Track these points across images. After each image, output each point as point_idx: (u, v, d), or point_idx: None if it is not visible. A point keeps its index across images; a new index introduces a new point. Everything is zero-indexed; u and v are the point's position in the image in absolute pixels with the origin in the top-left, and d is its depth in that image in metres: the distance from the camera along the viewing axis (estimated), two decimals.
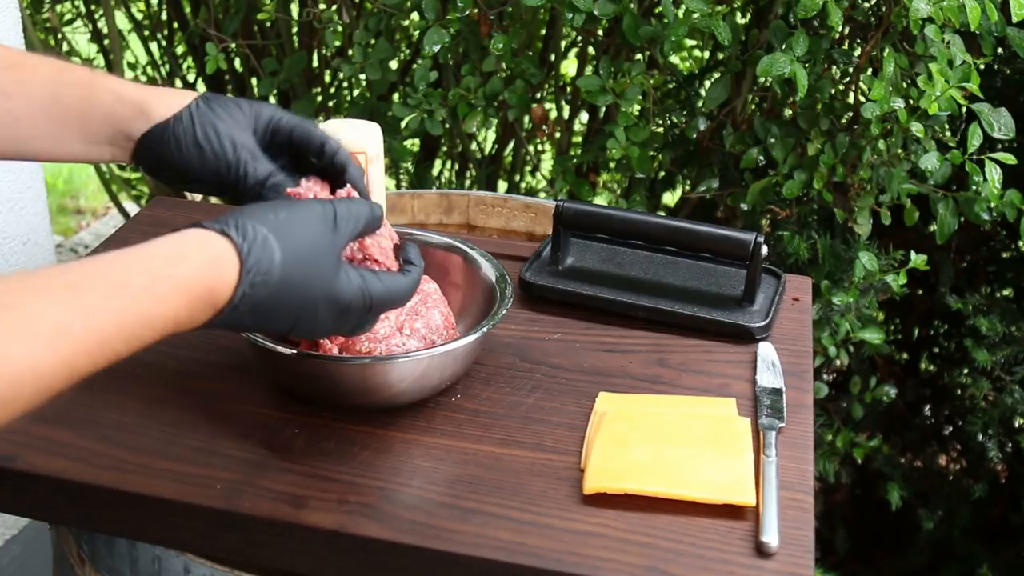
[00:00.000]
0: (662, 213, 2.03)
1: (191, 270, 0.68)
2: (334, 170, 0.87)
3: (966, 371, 1.88)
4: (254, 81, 2.02)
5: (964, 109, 1.41)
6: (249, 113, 0.86)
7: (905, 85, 1.40)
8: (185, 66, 2.31)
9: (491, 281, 1.01)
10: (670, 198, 2.08)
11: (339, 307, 0.76)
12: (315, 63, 2.03)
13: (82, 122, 0.84)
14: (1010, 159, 1.40)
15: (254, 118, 0.86)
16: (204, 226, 0.71)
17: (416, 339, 0.93)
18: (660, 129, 1.74)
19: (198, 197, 2.35)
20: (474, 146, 2.14)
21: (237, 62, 2.08)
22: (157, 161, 0.84)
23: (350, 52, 1.68)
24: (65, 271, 0.64)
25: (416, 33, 2.02)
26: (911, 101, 1.38)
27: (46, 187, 1.68)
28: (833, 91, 1.53)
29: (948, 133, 1.51)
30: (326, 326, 0.77)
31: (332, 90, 2.10)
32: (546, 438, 0.91)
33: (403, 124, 1.68)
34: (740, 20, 1.73)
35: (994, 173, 1.40)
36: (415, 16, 1.81)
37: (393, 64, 1.85)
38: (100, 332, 0.64)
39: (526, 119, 1.86)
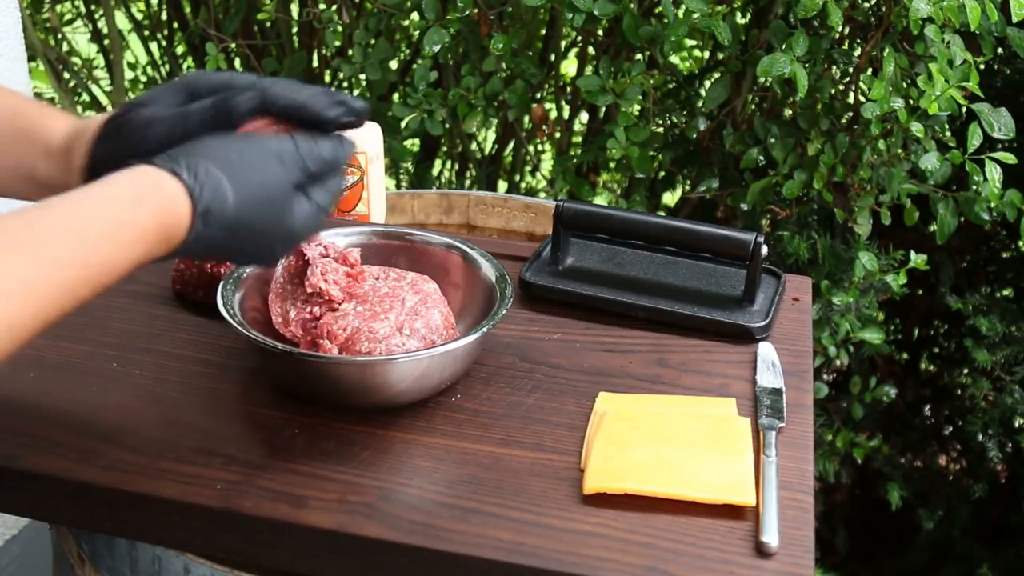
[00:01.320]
0: (662, 213, 2.04)
1: (148, 215, 0.70)
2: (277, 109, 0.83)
3: (966, 371, 1.88)
4: None
5: (964, 109, 1.41)
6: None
7: (905, 85, 1.40)
8: (185, 66, 2.31)
9: (491, 281, 1.01)
10: (670, 198, 2.08)
11: (292, 237, 0.78)
12: (315, 63, 2.03)
13: (38, 130, 0.83)
14: (1010, 159, 1.40)
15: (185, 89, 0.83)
16: (156, 164, 0.72)
17: (416, 339, 0.92)
18: (660, 129, 1.74)
19: None
20: (474, 146, 2.14)
21: (237, 62, 2.08)
22: (138, 134, 0.80)
23: (350, 52, 1.68)
24: (31, 223, 0.66)
25: (416, 33, 2.02)
26: (911, 101, 1.38)
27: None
28: (833, 91, 1.54)
29: (948, 133, 1.52)
30: (279, 253, 0.80)
31: (332, 90, 2.10)
32: (546, 438, 0.91)
33: (403, 124, 1.68)
34: (740, 20, 1.73)
35: (994, 173, 1.40)
36: (415, 16, 1.81)
37: (393, 64, 1.85)
38: (67, 283, 0.66)
39: (526, 119, 1.86)
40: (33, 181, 0.84)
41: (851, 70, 1.55)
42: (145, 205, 0.70)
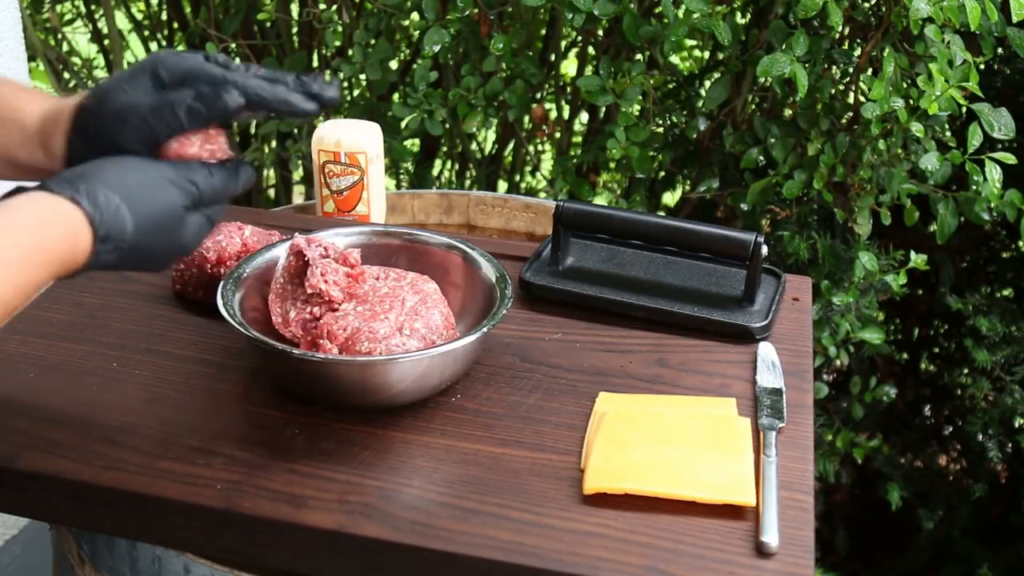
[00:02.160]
0: (662, 213, 2.04)
1: (53, 241, 0.72)
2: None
3: (966, 371, 1.88)
4: None
5: (964, 109, 1.41)
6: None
7: (905, 85, 1.40)
8: None
9: (491, 281, 1.01)
10: (670, 198, 2.08)
11: (183, 250, 0.82)
12: (315, 63, 2.03)
13: (14, 115, 0.84)
14: (1010, 159, 1.40)
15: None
16: (56, 191, 0.74)
17: (416, 339, 0.92)
18: (660, 129, 1.74)
19: None
20: (474, 146, 2.14)
21: (237, 62, 2.08)
22: (110, 123, 0.82)
23: (350, 52, 1.68)
24: None
25: (416, 33, 2.02)
26: (911, 101, 1.38)
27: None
28: (833, 91, 1.54)
29: (948, 133, 1.52)
30: (169, 263, 0.83)
31: None
32: (546, 438, 0.91)
33: (403, 124, 1.68)
34: (740, 20, 1.73)
35: (994, 173, 1.40)
36: (415, 16, 1.81)
37: (393, 64, 1.85)
38: None
39: (526, 119, 1.86)
40: (14, 165, 0.85)
41: (851, 70, 1.55)
42: (49, 232, 0.73)
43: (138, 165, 0.79)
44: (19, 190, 0.76)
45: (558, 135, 1.94)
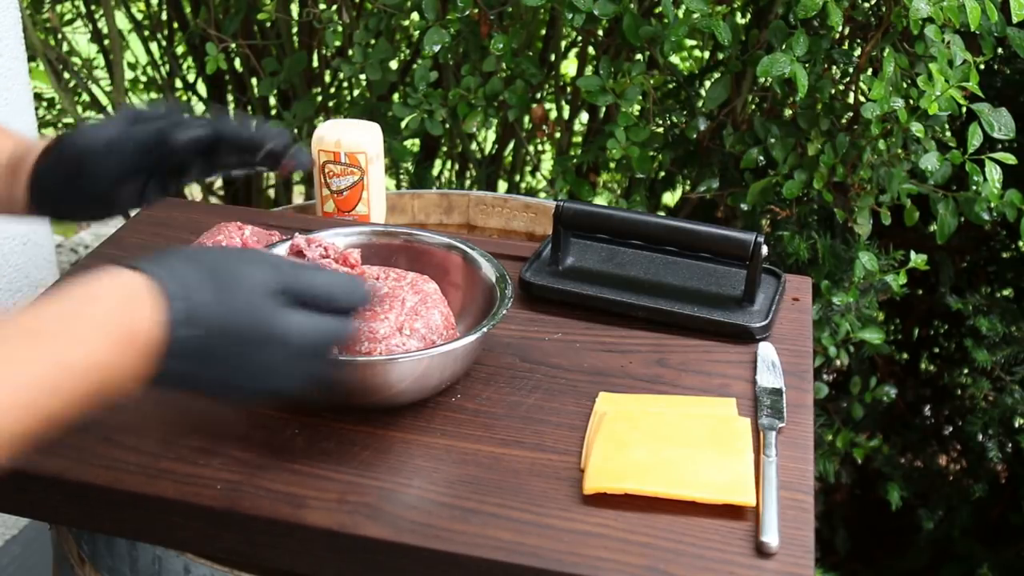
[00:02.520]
0: (662, 213, 2.03)
1: (106, 309, 0.63)
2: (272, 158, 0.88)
3: (966, 371, 1.88)
4: (254, 81, 2.02)
5: (964, 109, 1.41)
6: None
7: (905, 85, 1.40)
8: (185, 66, 2.31)
9: (491, 281, 1.01)
10: (670, 198, 2.08)
11: (290, 345, 0.69)
12: (315, 63, 2.03)
13: None
14: (1010, 159, 1.40)
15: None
16: (119, 265, 0.68)
17: (416, 339, 0.92)
18: (660, 129, 1.74)
19: (198, 197, 2.35)
20: (474, 146, 2.14)
21: (237, 62, 2.08)
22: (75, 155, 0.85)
23: (350, 52, 1.68)
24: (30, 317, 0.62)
25: (416, 33, 2.02)
26: (911, 101, 1.38)
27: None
28: (833, 91, 1.53)
29: (948, 133, 1.51)
30: (288, 367, 0.70)
31: (332, 90, 2.10)
32: (546, 438, 0.91)
33: (403, 124, 1.68)
34: (740, 20, 1.73)
35: (994, 173, 1.40)
36: (415, 16, 1.81)
37: (393, 64, 1.85)
38: (22, 385, 0.60)
39: (526, 119, 1.86)
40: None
41: (851, 70, 1.55)
42: (100, 301, 0.65)
43: (222, 249, 0.73)
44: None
45: (558, 135, 1.94)
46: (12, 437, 0.60)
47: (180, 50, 2.28)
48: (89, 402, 0.63)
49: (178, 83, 2.28)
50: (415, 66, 1.74)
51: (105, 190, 0.87)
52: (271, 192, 2.28)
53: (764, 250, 1.08)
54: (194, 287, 0.66)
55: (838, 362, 1.68)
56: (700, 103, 1.66)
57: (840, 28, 1.44)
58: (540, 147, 2.14)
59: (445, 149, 2.14)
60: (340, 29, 1.71)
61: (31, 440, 0.61)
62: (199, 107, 2.29)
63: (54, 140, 0.86)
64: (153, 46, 2.27)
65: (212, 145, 0.88)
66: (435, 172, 2.15)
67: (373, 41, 1.68)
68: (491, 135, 2.12)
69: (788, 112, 1.64)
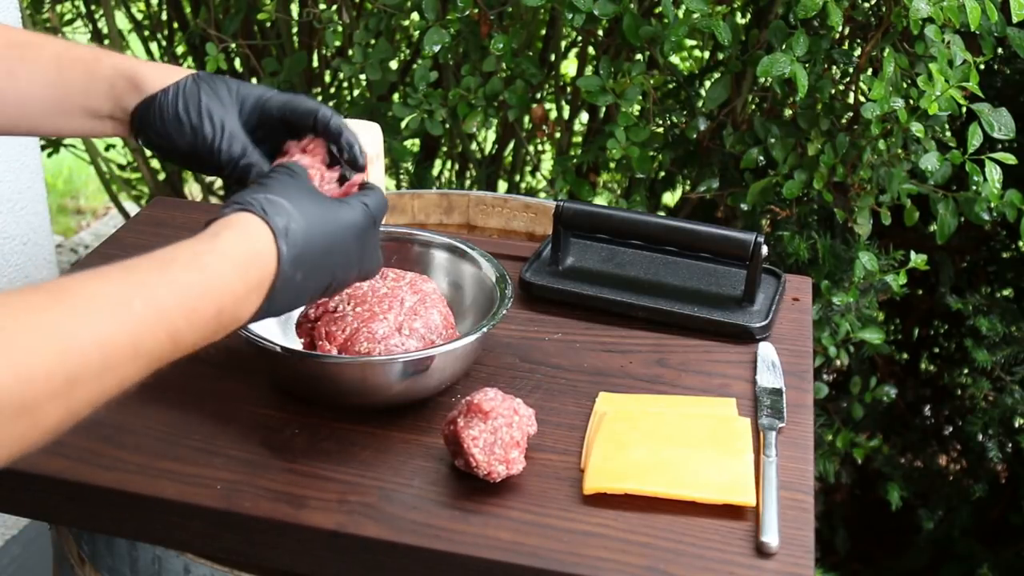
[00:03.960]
0: (662, 213, 2.03)
1: (229, 242, 0.71)
2: (330, 137, 0.88)
3: (966, 371, 1.88)
4: (254, 81, 2.02)
5: (964, 109, 1.41)
6: (235, 94, 0.87)
7: (905, 85, 1.40)
8: (185, 66, 2.31)
9: (491, 281, 1.01)
10: (670, 198, 2.08)
11: (358, 229, 0.80)
12: (315, 63, 2.03)
13: (84, 97, 0.86)
14: (1010, 159, 1.40)
15: (240, 100, 0.87)
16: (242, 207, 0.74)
17: (415, 339, 0.92)
18: (660, 129, 1.73)
19: (198, 197, 2.35)
20: (474, 146, 2.14)
21: (237, 62, 2.08)
22: (148, 134, 0.86)
23: (350, 52, 1.68)
24: (114, 265, 0.67)
25: (416, 33, 2.02)
26: (911, 101, 1.38)
27: (46, 187, 1.68)
28: (833, 91, 1.53)
29: (948, 133, 1.51)
30: (358, 258, 0.81)
31: (332, 90, 2.10)
32: (546, 438, 0.91)
33: (403, 124, 1.68)
34: (740, 20, 1.73)
35: (994, 173, 1.40)
36: (415, 16, 1.81)
37: (393, 64, 1.85)
38: (157, 306, 0.65)
39: (526, 119, 1.86)
40: (87, 112, 0.87)
41: (851, 70, 1.55)
42: (220, 237, 0.72)
43: (266, 176, 0.81)
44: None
45: (558, 135, 1.94)
46: (151, 357, 0.65)
47: (180, 50, 2.28)
48: (214, 329, 0.70)
49: None
50: (415, 66, 1.74)
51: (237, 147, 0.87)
52: None
53: (764, 250, 1.08)
54: (284, 214, 0.74)
55: (838, 362, 1.68)
56: (700, 103, 1.66)
57: (840, 28, 1.44)
58: (540, 147, 2.14)
59: (445, 149, 2.14)
60: (340, 29, 1.71)
61: (162, 363, 0.66)
62: None
63: (170, 89, 0.85)
64: (153, 46, 2.27)
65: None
66: (435, 172, 2.15)
67: (373, 41, 1.68)
68: (491, 135, 2.12)
69: (788, 112, 1.64)
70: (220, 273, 0.70)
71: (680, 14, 1.44)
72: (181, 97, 0.85)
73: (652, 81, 1.57)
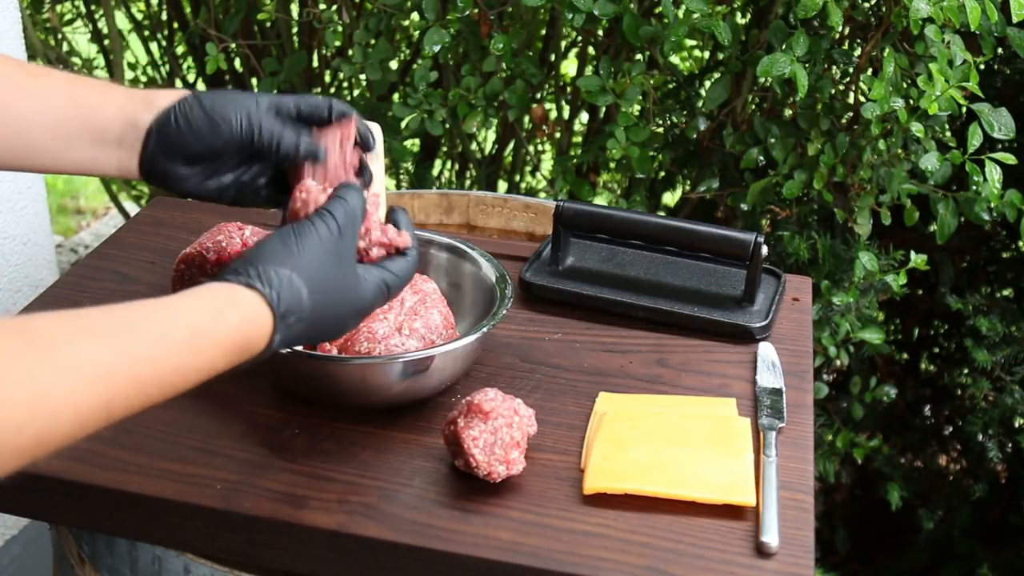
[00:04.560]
0: (662, 213, 2.03)
1: (228, 327, 0.71)
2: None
3: (966, 371, 1.88)
4: (254, 81, 2.02)
5: (964, 109, 1.41)
6: (250, 96, 0.86)
7: (905, 85, 1.40)
8: (185, 66, 2.31)
9: (491, 281, 1.01)
10: (670, 198, 2.08)
11: (365, 311, 0.81)
12: (315, 63, 2.03)
13: (93, 116, 0.84)
14: (1010, 159, 1.40)
15: (256, 99, 0.86)
16: (229, 279, 0.74)
17: (415, 339, 0.93)
18: (660, 129, 1.73)
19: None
20: (474, 146, 2.14)
21: (237, 62, 2.08)
22: (160, 151, 0.84)
23: (350, 52, 1.68)
24: (110, 314, 0.66)
25: (416, 33, 2.02)
26: (911, 101, 1.38)
27: (46, 187, 1.68)
28: (833, 91, 1.53)
29: (948, 133, 1.51)
30: (352, 327, 0.81)
31: (332, 90, 2.10)
32: (546, 438, 0.91)
33: (403, 124, 1.68)
34: (740, 20, 1.73)
35: (994, 173, 1.40)
36: (415, 16, 1.81)
37: (393, 64, 1.85)
38: (138, 378, 0.66)
39: (526, 119, 1.86)
40: (95, 140, 0.85)
41: (851, 70, 1.55)
42: (224, 319, 0.71)
43: (295, 231, 0.78)
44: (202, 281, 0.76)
45: (558, 135, 1.94)
46: (115, 417, 0.66)
47: (180, 50, 2.28)
48: (184, 389, 0.71)
49: (178, 83, 2.28)
50: (415, 66, 1.74)
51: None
52: None
53: (764, 250, 1.08)
54: (296, 297, 0.75)
55: (838, 362, 1.68)
56: (700, 103, 1.66)
57: (840, 28, 1.44)
58: (540, 147, 2.14)
59: (445, 149, 2.14)
60: (340, 29, 1.71)
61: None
62: None
63: (187, 96, 0.84)
64: (153, 46, 2.27)
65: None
66: (435, 172, 2.15)
67: (373, 41, 1.68)
68: (491, 135, 2.12)
69: (788, 112, 1.64)
70: (211, 359, 0.70)
71: (680, 14, 1.44)
72: (206, 97, 0.84)
73: (652, 81, 1.57)
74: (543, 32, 2.00)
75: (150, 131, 0.84)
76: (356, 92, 2.11)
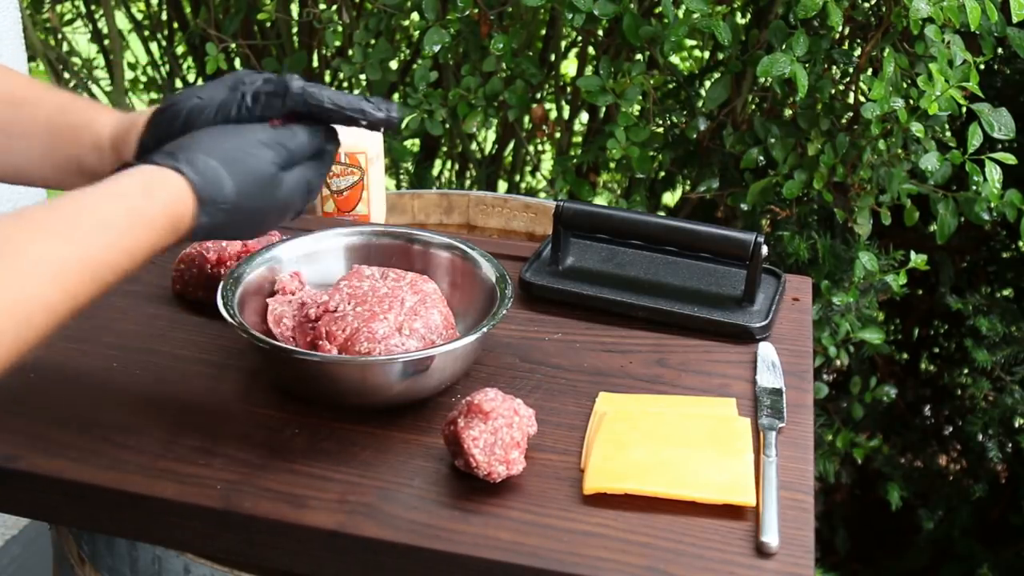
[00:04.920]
0: (662, 213, 2.04)
1: (160, 207, 0.76)
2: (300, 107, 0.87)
3: (966, 371, 1.88)
4: None
5: (964, 109, 1.41)
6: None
7: (905, 85, 1.40)
8: (185, 66, 2.31)
9: (491, 281, 1.01)
10: (670, 198, 2.08)
11: (287, 211, 0.85)
12: (315, 63, 2.03)
13: (88, 125, 0.86)
14: (1010, 159, 1.40)
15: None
16: (158, 162, 0.78)
17: (415, 339, 0.93)
18: (660, 129, 1.74)
19: None
20: (474, 146, 2.14)
21: (237, 62, 2.09)
22: (185, 114, 0.84)
23: (350, 52, 1.68)
24: (55, 210, 0.72)
25: (416, 33, 2.02)
26: (911, 101, 1.38)
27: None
28: (833, 91, 1.54)
29: (948, 133, 1.52)
30: (273, 224, 0.86)
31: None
32: (546, 438, 0.91)
33: (403, 124, 1.68)
34: (740, 20, 1.73)
35: (994, 173, 1.40)
36: (415, 16, 1.81)
37: (393, 64, 1.85)
38: (95, 266, 0.72)
39: (526, 119, 1.86)
40: (80, 173, 0.87)
41: (851, 70, 1.55)
42: (155, 198, 0.76)
43: (230, 131, 0.82)
44: (125, 166, 0.79)
45: (558, 135, 1.94)
46: (79, 307, 0.72)
47: (180, 50, 2.28)
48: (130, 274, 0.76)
49: (178, 83, 2.28)
50: (415, 66, 1.74)
51: None
52: None
53: (764, 250, 1.08)
54: (220, 187, 0.79)
55: (838, 362, 1.68)
56: (700, 103, 1.66)
57: (840, 28, 1.45)
58: (540, 147, 2.14)
59: (445, 149, 2.14)
60: (340, 29, 1.71)
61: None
62: None
63: (153, 116, 0.85)
64: (153, 46, 2.27)
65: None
66: (435, 172, 2.15)
67: (373, 41, 1.68)
68: (491, 135, 2.12)
69: (788, 112, 1.64)
70: (151, 239, 0.76)
71: (680, 14, 1.44)
72: (203, 85, 0.86)
73: (652, 81, 1.57)
74: (543, 32, 2.00)
75: (148, 124, 0.85)
76: (356, 92, 2.11)
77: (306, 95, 0.84)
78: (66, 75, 2.17)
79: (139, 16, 2.25)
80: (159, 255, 0.78)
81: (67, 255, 0.70)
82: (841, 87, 1.57)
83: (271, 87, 0.84)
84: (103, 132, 0.86)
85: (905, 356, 2.12)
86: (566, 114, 1.97)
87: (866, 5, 1.58)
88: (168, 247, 0.78)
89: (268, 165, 0.82)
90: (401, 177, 2.16)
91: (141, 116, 0.86)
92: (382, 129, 0.86)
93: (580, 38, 1.93)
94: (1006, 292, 1.94)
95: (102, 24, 2.24)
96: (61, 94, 0.90)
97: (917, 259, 1.52)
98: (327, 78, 2.06)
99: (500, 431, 0.83)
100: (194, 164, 0.78)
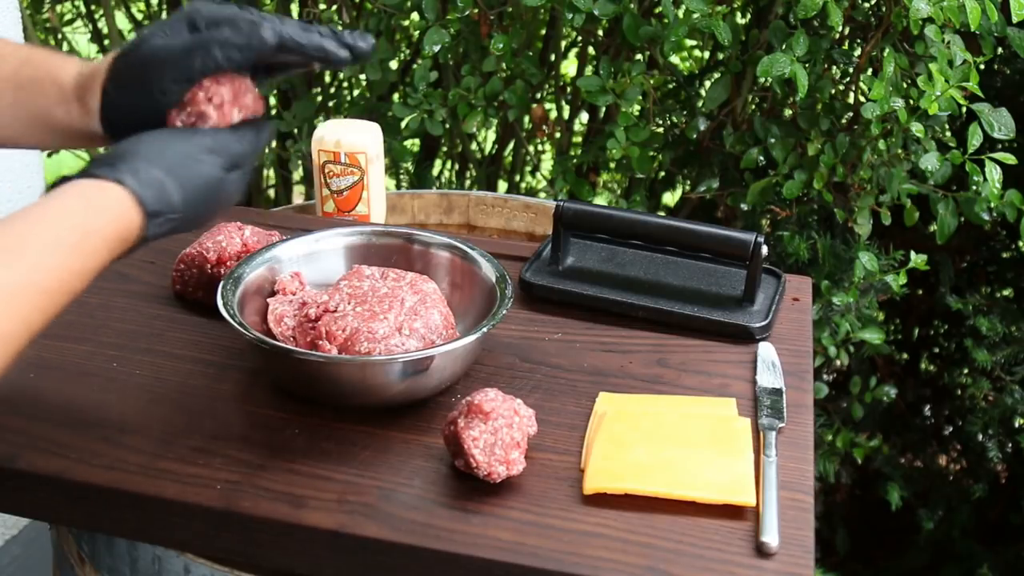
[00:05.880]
0: (662, 213, 2.04)
1: (107, 223, 0.74)
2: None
3: (966, 371, 1.88)
4: None
5: (964, 109, 1.41)
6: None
7: (905, 85, 1.40)
8: None
9: (491, 281, 1.01)
10: (670, 198, 2.08)
11: (228, 205, 0.84)
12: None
13: (51, 76, 0.84)
14: (1010, 159, 1.40)
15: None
16: (99, 175, 0.75)
17: (415, 339, 0.92)
18: (660, 129, 1.74)
19: None
20: (474, 146, 2.14)
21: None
22: (125, 73, 0.81)
23: None
24: (4, 234, 0.70)
25: (416, 33, 2.02)
26: (911, 101, 1.38)
27: (46, 187, 1.67)
28: (833, 91, 1.54)
29: (948, 133, 1.52)
30: (215, 219, 0.88)
31: (332, 90, 2.10)
32: (546, 438, 0.91)
33: (403, 124, 1.68)
34: (740, 20, 1.73)
35: (994, 173, 1.41)
36: (415, 16, 1.81)
37: (393, 64, 1.85)
38: (46, 290, 0.71)
39: (526, 119, 1.86)
40: (50, 128, 0.86)
41: (851, 70, 1.55)
42: (101, 215, 0.74)
43: (174, 138, 0.80)
44: (64, 179, 0.77)
45: (558, 135, 1.94)
46: (35, 332, 0.71)
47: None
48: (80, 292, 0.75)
49: None
50: (415, 66, 1.74)
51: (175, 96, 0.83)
52: (271, 192, 2.28)
53: (764, 250, 1.08)
54: (167, 199, 0.77)
55: (838, 362, 1.68)
56: (700, 103, 1.66)
57: (840, 28, 1.45)
58: (540, 147, 2.14)
59: (445, 149, 2.14)
60: (340, 29, 1.71)
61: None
62: None
63: (114, 64, 0.82)
64: None
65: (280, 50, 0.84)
66: (435, 172, 2.15)
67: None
68: (491, 135, 2.12)
69: (788, 112, 1.64)
70: (100, 257, 0.75)
71: (680, 14, 1.44)
72: (160, 23, 0.83)
73: (652, 81, 1.57)
74: (543, 32, 2.00)
75: (112, 67, 0.82)
76: (356, 92, 2.11)
77: (283, 40, 0.81)
78: None
79: (139, 16, 2.25)
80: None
81: (16, 280, 0.68)
82: (841, 87, 1.57)
83: (242, 39, 0.80)
84: (67, 82, 0.84)
85: (905, 356, 2.12)
86: (566, 114, 1.97)
87: (866, 5, 1.58)
88: (117, 260, 0.78)
89: (214, 170, 0.81)
90: (401, 177, 2.16)
91: (103, 64, 0.83)
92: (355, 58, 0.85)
93: (580, 38, 1.93)
94: (1006, 292, 1.94)
95: (102, 24, 2.24)
96: (25, 48, 0.87)
97: (917, 259, 1.52)
98: (327, 78, 2.06)
99: (500, 431, 0.83)
100: (138, 176, 0.76)
